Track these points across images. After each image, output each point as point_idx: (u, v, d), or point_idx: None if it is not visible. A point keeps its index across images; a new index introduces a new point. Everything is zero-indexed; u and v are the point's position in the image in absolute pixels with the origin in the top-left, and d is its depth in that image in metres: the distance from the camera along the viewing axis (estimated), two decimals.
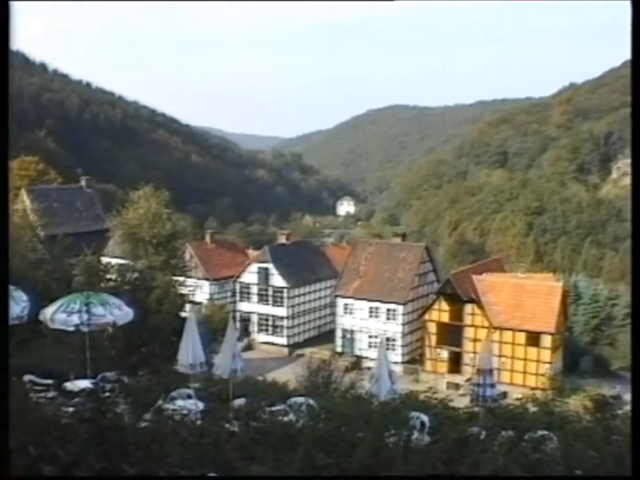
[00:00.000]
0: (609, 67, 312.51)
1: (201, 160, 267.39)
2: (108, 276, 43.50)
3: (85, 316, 21.11)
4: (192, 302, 66.30)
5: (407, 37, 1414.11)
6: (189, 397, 19.83)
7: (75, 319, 21.13)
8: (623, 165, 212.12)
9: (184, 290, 62.78)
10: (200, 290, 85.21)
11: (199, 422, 12.34)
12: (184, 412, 13.05)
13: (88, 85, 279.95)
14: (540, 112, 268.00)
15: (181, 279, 63.35)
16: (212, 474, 9.16)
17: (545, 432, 14.52)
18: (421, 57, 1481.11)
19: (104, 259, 53.90)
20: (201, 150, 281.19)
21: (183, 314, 44.91)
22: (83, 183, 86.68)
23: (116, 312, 22.43)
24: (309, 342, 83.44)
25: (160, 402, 15.56)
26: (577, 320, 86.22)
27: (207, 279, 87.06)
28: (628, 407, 27.77)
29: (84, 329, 21.25)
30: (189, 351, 20.93)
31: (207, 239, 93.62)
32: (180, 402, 18.57)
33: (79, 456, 8.00)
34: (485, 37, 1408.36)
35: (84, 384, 18.86)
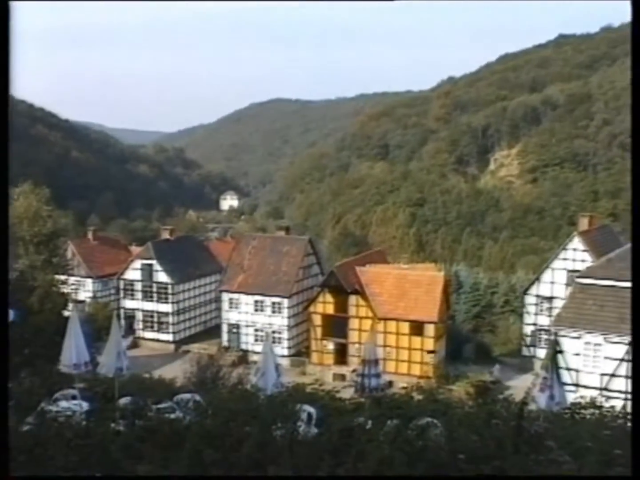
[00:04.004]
0: (485, 62, 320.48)
1: (82, 155, 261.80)
2: None
3: None
4: (75, 300, 65.37)
5: (289, 32, 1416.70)
6: (74, 397, 19.51)
7: None
8: (500, 157, 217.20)
9: (66, 289, 61.93)
10: (83, 289, 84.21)
11: (84, 422, 12.16)
12: (68, 413, 12.79)
13: None
14: (420, 105, 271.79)
15: (63, 277, 62.53)
16: (211, 475, 9.14)
17: (429, 419, 14.77)
18: (303, 51, 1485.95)
19: None
20: (82, 145, 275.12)
21: (66, 313, 44.12)
22: None
23: None
24: (195, 338, 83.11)
25: (43, 404, 15.24)
26: (459, 308, 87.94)
27: (90, 277, 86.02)
28: (508, 392, 28.59)
29: None
30: (73, 351, 20.58)
31: (89, 236, 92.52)
32: (64, 404, 18.22)
33: None
34: (366, 33, 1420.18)
35: None
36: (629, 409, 17.23)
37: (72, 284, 71.28)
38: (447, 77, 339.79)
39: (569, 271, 66.61)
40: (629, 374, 39.94)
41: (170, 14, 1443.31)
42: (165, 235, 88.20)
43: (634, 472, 7.29)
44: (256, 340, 75.05)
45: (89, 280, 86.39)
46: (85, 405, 18.10)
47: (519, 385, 53.05)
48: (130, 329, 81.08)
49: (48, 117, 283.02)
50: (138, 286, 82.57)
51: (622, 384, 40.24)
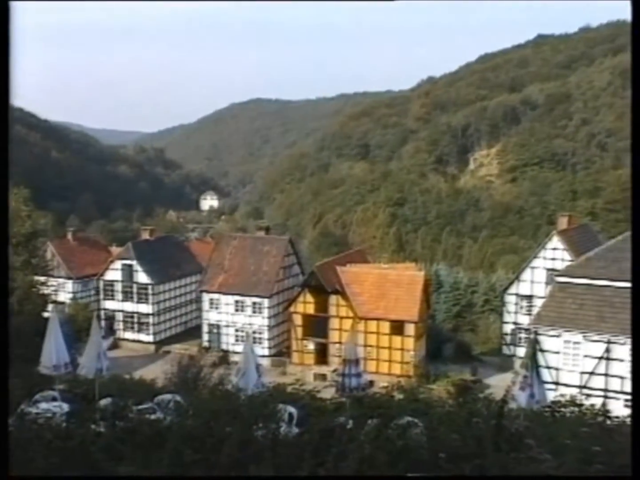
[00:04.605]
0: (464, 62, 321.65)
1: (61, 156, 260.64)
2: None
3: None
4: (55, 301, 64.98)
5: (270, 32, 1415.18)
6: (54, 399, 19.42)
7: None
8: (479, 156, 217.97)
9: (46, 290, 61.55)
10: (63, 289, 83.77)
11: (64, 424, 12.11)
12: (48, 415, 12.75)
13: None
14: (400, 105, 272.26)
15: (43, 278, 62.12)
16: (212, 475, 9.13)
17: (410, 419, 14.79)
18: (284, 51, 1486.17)
19: None
20: (61, 146, 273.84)
21: (46, 314, 43.94)
22: None
23: None
24: (175, 339, 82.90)
25: (23, 406, 15.17)
26: (439, 308, 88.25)
27: (70, 278, 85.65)
28: (489, 391, 28.73)
29: None
30: (53, 352, 20.51)
31: (69, 236, 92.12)
32: (44, 405, 18.11)
33: None
34: (346, 33, 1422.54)
35: None
36: (608, 406, 17.35)
37: (52, 285, 70.91)
38: (426, 77, 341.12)
39: (549, 270, 66.83)
40: (608, 372, 40.22)
41: (150, 14, 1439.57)
42: (146, 235, 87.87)
43: (634, 472, 7.33)
44: (237, 340, 74.97)
45: (69, 281, 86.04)
46: (65, 407, 18.01)
47: (499, 384, 53.27)
48: (110, 330, 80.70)
49: (27, 117, 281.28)
50: (118, 287, 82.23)
51: (602, 382, 40.48)
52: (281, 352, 75.88)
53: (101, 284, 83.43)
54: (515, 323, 71.81)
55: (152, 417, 13.91)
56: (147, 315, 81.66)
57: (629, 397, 38.63)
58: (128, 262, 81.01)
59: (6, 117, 7.08)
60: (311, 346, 70.98)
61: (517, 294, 71.74)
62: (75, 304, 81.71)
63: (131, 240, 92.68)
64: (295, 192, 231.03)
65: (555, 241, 69.02)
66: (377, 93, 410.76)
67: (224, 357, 72.98)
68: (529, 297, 70.18)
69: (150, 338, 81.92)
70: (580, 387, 40.43)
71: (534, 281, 70.14)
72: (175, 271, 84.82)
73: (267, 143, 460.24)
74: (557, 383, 40.70)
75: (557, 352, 41.50)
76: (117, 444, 10.13)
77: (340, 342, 65.86)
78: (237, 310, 76.15)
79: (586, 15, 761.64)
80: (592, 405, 17.28)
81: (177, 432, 10.45)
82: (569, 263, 56.55)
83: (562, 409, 16.62)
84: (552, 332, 41.41)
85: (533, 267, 70.62)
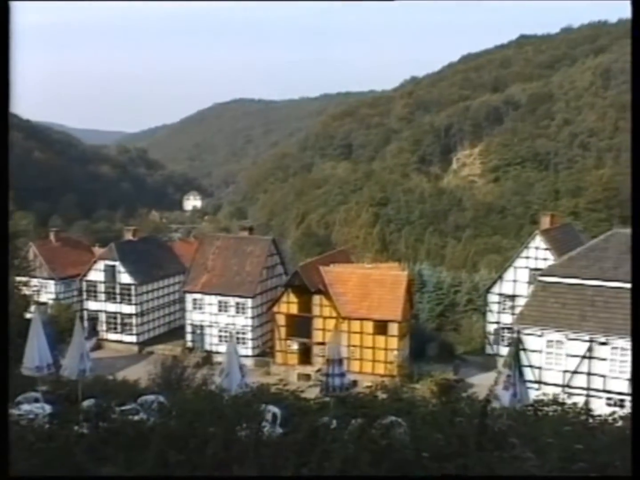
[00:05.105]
0: (447, 62, 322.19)
1: (44, 156, 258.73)
2: None
3: None
4: (37, 302, 64.72)
5: (252, 32, 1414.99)
6: (36, 400, 19.33)
7: None
8: (462, 156, 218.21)
9: (28, 291, 61.30)
10: (45, 290, 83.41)
11: (46, 425, 12.06)
12: (31, 416, 12.70)
13: None
14: (382, 105, 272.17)
15: (25, 279, 61.83)
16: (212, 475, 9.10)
17: (394, 418, 14.78)
18: (266, 51, 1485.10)
19: None
20: (43, 146, 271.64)
21: (28, 315, 43.74)
22: None
23: None
24: (159, 339, 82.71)
25: None
26: (422, 307, 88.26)
27: (53, 279, 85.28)
28: (472, 390, 28.82)
29: None
30: (35, 353, 20.38)
31: (52, 237, 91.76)
32: (26, 407, 18.03)
33: None
34: (329, 33, 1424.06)
35: None
36: (590, 405, 17.42)
37: (34, 286, 70.65)
38: (409, 77, 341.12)
39: (531, 269, 67.09)
40: (591, 370, 40.39)
41: (132, 14, 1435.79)
42: (129, 236, 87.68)
43: (634, 472, 7.33)
44: (220, 340, 74.88)
45: (52, 282, 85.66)
46: (48, 408, 17.91)
47: (482, 383, 53.38)
48: (93, 331, 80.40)
49: None
50: (101, 287, 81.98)
51: (584, 381, 40.64)
52: (265, 352, 75.87)
53: (84, 284, 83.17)
54: (498, 322, 72.01)
55: (136, 418, 13.86)
56: (130, 315, 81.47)
57: (611, 395, 38.89)
58: (111, 262, 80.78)
59: (6, 118, 7.06)
60: (295, 346, 70.99)
61: (500, 294, 71.94)
62: (57, 304, 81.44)
63: (114, 240, 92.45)
64: (278, 192, 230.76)
65: (538, 240, 69.25)
66: (360, 93, 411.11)
67: (208, 358, 72.84)
68: (512, 297, 70.36)
69: (133, 339, 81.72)
70: (563, 385, 40.59)
71: (516, 280, 70.35)
72: (158, 271, 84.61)
73: (250, 143, 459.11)
74: (539, 382, 40.85)
75: (540, 351, 41.66)
76: (100, 445, 10.10)
77: (323, 342, 65.84)
78: (220, 310, 76.11)
79: (568, 15, 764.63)
80: (575, 403, 17.32)
81: (160, 433, 10.41)
82: (551, 262, 56.75)
83: (545, 408, 16.63)
84: (535, 332, 41.56)
85: (516, 267, 70.83)
